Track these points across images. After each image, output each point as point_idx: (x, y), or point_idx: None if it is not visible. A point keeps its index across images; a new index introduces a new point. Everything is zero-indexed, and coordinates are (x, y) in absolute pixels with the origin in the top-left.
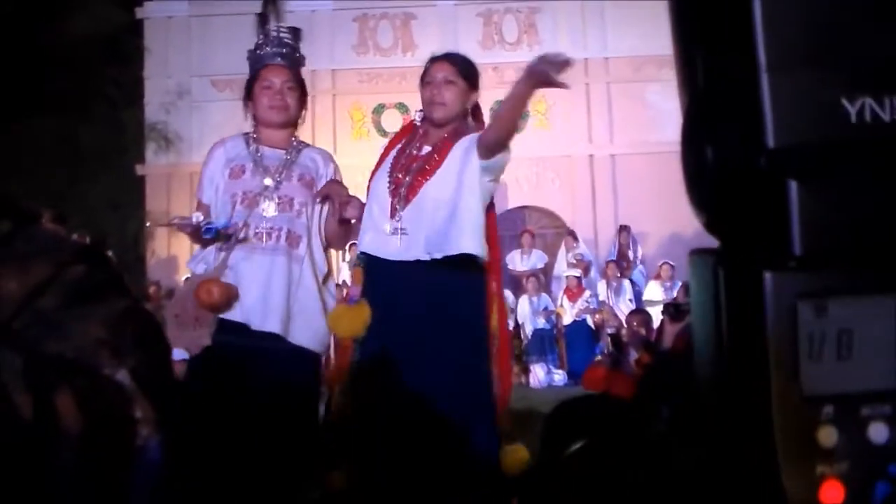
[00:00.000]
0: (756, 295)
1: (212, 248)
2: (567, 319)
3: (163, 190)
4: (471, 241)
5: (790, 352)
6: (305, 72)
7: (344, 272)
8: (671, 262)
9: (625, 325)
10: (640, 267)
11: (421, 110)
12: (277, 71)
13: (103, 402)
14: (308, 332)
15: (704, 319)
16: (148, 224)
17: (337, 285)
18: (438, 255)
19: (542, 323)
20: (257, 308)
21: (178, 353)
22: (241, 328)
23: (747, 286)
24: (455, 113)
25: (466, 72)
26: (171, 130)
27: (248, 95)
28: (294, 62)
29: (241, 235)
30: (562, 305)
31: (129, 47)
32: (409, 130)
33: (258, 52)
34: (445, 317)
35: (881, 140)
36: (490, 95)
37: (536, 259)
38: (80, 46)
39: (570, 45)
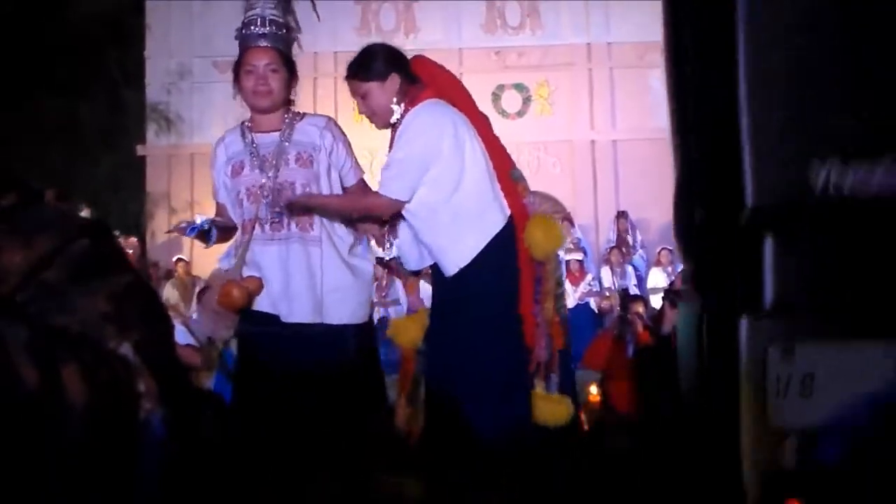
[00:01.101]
0: (732, 339)
1: (234, 246)
2: (569, 303)
3: (163, 171)
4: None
5: (760, 388)
6: (307, 54)
7: None
8: (669, 248)
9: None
10: (641, 252)
11: None
12: (261, 54)
13: (108, 375)
14: (344, 308)
15: (690, 357)
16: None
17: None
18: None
19: None
20: (282, 300)
21: (183, 336)
22: (272, 318)
23: (725, 330)
24: (386, 113)
25: (368, 72)
26: (173, 111)
27: (236, 79)
28: (280, 41)
29: (257, 231)
30: (563, 289)
31: (131, 28)
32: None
33: (243, 31)
34: (465, 309)
35: (841, 207)
36: (492, 79)
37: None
38: (81, 27)
39: (573, 30)
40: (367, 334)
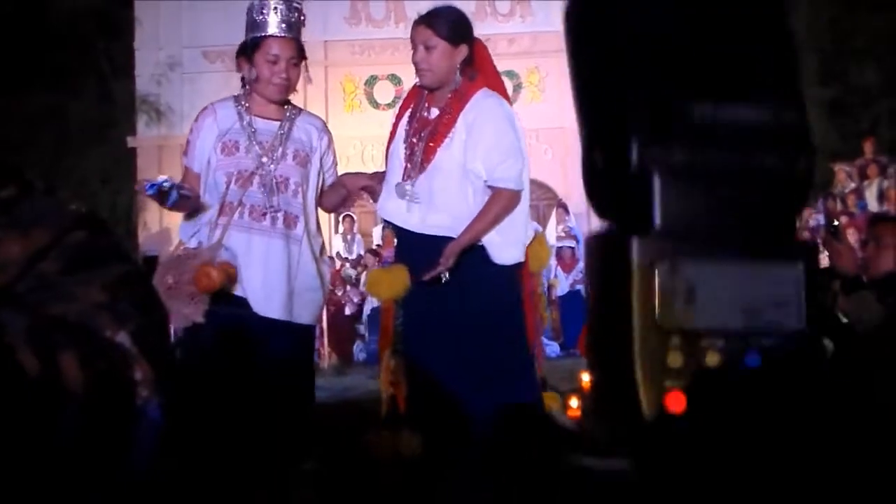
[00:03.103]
0: (627, 255)
1: (205, 224)
2: (562, 290)
3: (154, 162)
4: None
5: (650, 296)
6: None
7: (336, 244)
8: None
9: None
10: None
11: None
12: (284, 44)
13: (105, 363)
14: (308, 309)
15: (595, 276)
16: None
17: (330, 257)
18: (451, 235)
19: None
20: (258, 294)
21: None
22: (243, 302)
23: (621, 249)
24: (442, 76)
25: (447, 31)
26: (163, 102)
27: (247, 58)
28: (299, 32)
29: (236, 216)
30: (555, 276)
31: (120, 19)
32: (416, 94)
33: (265, 15)
34: (472, 287)
35: (714, 143)
36: None
37: (530, 232)
38: (70, 19)
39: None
40: (312, 345)
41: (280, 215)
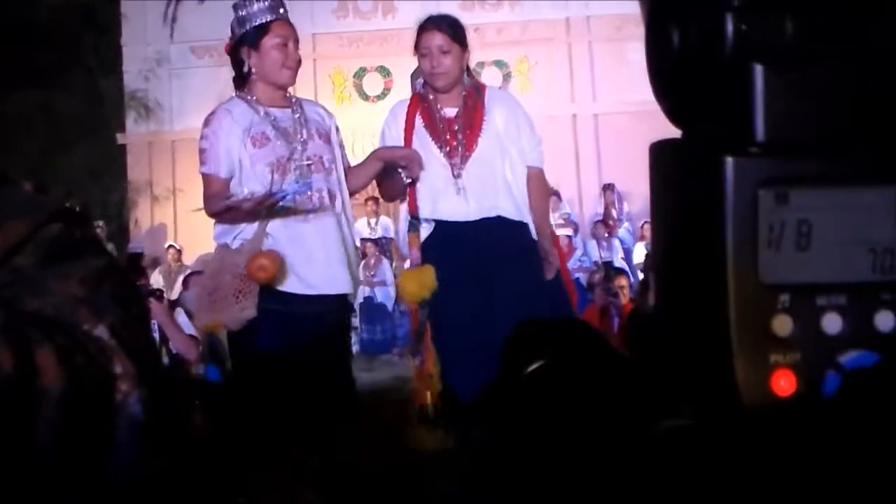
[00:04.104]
0: (716, 181)
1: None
2: None
3: (144, 159)
4: (518, 201)
5: (749, 240)
6: None
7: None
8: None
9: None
10: (627, 224)
11: (422, 80)
12: (288, 27)
13: (83, 357)
14: (352, 280)
15: (664, 211)
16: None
17: None
18: (502, 214)
19: None
20: (322, 275)
21: (189, 327)
22: (294, 297)
23: (708, 173)
24: (453, 77)
25: (457, 36)
26: (151, 99)
27: (252, 48)
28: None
29: (283, 204)
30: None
31: (107, 15)
32: (417, 102)
33: (262, 2)
34: (521, 268)
35: (850, 21)
36: (472, 56)
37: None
38: (56, 15)
39: (551, 5)
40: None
41: (325, 193)
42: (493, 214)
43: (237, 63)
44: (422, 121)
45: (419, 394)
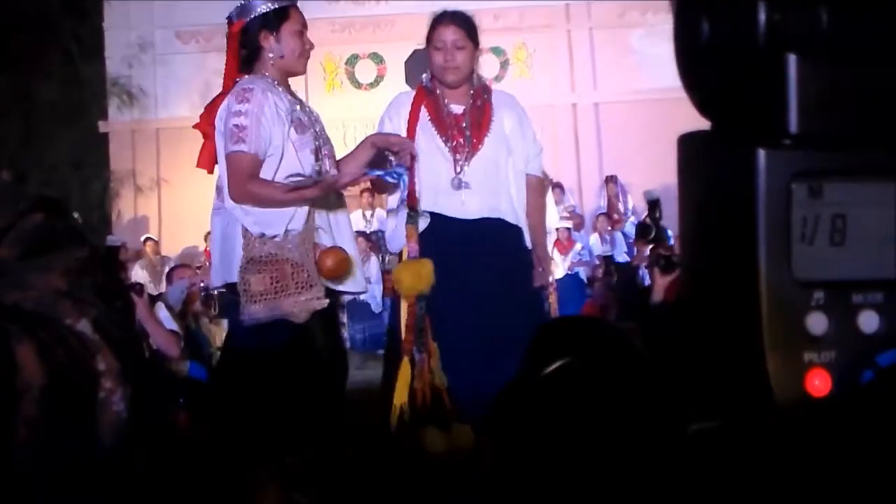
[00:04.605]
0: (748, 174)
1: (297, 208)
2: (558, 273)
3: (127, 147)
4: (515, 204)
5: (782, 234)
6: None
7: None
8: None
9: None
10: (632, 219)
11: (430, 74)
12: (302, 16)
13: (64, 353)
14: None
15: (692, 203)
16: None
17: None
18: (500, 216)
19: None
20: (358, 270)
21: (170, 322)
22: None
23: (739, 165)
24: (466, 74)
25: (473, 34)
26: (135, 85)
27: (272, 33)
28: None
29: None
30: (552, 259)
31: None
32: (422, 97)
33: None
34: (513, 272)
35: (886, 10)
36: None
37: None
38: None
39: None
40: None
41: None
42: (492, 216)
43: (250, 46)
44: (427, 114)
45: (399, 393)
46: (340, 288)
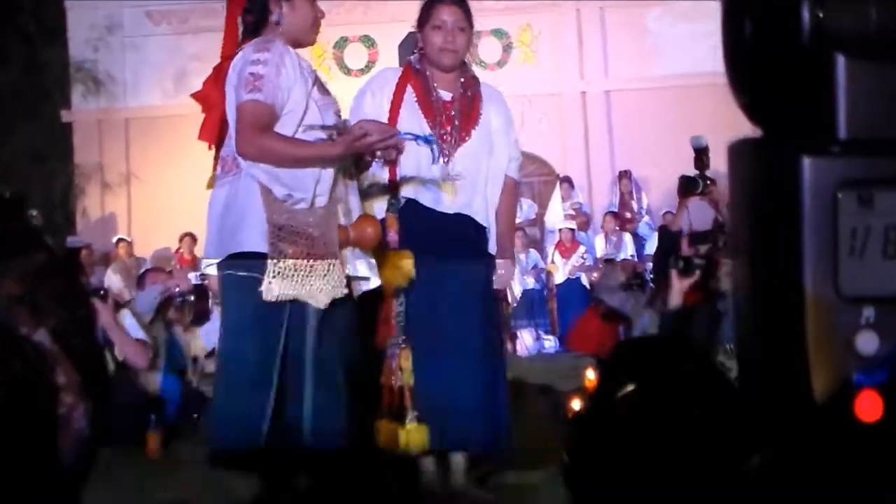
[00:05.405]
0: (794, 183)
1: (325, 173)
2: (559, 278)
3: (94, 139)
4: (487, 203)
5: (829, 246)
6: None
7: None
8: (673, 211)
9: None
10: (647, 219)
11: (420, 50)
12: None
13: (21, 364)
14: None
15: (741, 212)
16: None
17: None
18: (471, 213)
19: (530, 283)
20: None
21: (134, 329)
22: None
23: (785, 174)
24: (462, 58)
25: (470, 16)
26: (101, 70)
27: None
28: None
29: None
30: (553, 262)
31: None
32: (409, 76)
33: None
34: (482, 277)
35: None
36: None
37: (528, 209)
38: None
39: None
40: None
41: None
42: (464, 212)
43: (257, 11)
44: (414, 95)
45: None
46: (360, 273)
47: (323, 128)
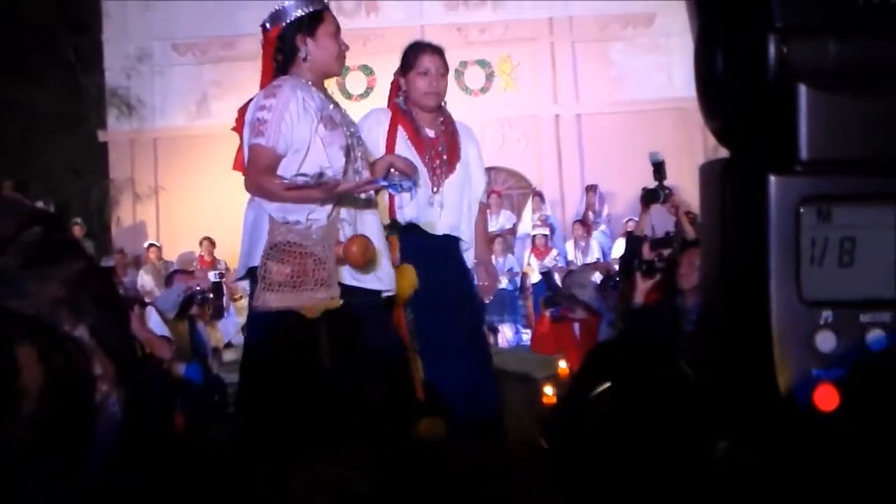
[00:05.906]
0: (760, 198)
1: (324, 203)
2: (535, 278)
3: (126, 156)
4: (468, 226)
5: (792, 256)
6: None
7: None
8: (636, 219)
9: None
10: (604, 227)
11: (403, 93)
12: (334, 18)
13: (62, 357)
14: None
15: (711, 227)
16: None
17: None
18: (458, 234)
19: (505, 284)
20: (385, 268)
21: (158, 327)
22: (355, 290)
23: (752, 190)
24: (442, 100)
25: (447, 64)
26: (133, 96)
27: (308, 34)
28: None
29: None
30: (529, 264)
31: (88, 11)
32: (398, 117)
33: None
34: (469, 287)
35: (889, 24)
36: (455, 55)
37: (505, 220)
38: (35, 10)
39: (534, 5)
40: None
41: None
42: (453, 233)
43: (287, 50)
44: (405, 133)
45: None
46: (368, 286)
47: (300, 177)
